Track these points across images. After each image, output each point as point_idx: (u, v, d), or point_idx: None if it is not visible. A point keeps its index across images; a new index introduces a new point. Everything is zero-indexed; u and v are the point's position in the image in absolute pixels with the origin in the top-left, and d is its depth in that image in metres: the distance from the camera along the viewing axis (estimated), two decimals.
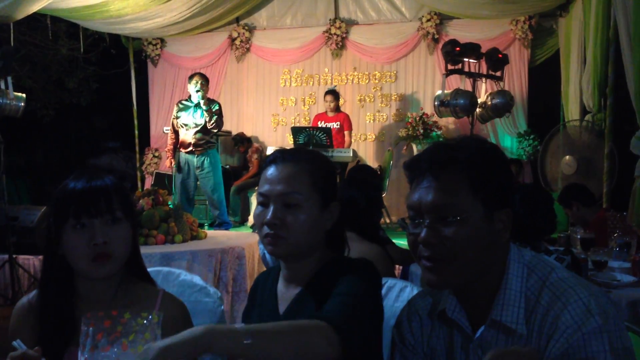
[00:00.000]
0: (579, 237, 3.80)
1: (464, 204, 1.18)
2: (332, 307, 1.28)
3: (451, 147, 1.23)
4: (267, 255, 3.46)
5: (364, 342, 1.27)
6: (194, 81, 6.40)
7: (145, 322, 1.08)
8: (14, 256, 5.47)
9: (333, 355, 1.16)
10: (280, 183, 1.45)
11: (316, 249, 1.51)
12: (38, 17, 7.80)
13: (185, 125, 6.48)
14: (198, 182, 6.73)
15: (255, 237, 4.54)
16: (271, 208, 1.45)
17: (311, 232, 1.46)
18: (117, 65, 9.67)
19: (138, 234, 1.60)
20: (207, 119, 6.36)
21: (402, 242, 6.44)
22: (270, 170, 1.49)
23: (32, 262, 5.63)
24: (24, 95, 5.65)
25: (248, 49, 9.31)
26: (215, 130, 6.52)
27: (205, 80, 6.45)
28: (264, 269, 3.03)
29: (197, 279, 2.04)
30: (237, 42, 9.24)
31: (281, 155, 1.51)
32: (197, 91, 6.34)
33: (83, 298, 1.51)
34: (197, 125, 6.45)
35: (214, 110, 6.39)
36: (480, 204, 1.19)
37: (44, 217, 5.79)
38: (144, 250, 1.64)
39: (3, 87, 5.49)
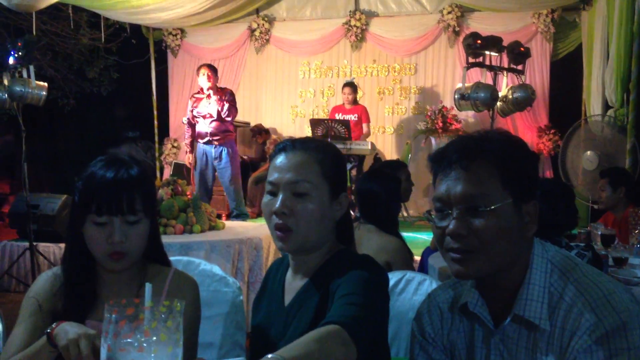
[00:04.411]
0: (599, 233, 3.76)
1: (494, 194, 1.18)
2: (342, 308, 1.26)
3: (480, 139, 1.23)
4: None
5: (373, 340, 1.26)
6: (201, 72, 6.47)
7: (167, 310, 1.09)
8: (35, 244, 5.54)
9: (350, 357, 1.15)
10: (289, 171, 1.43)
11: (326, 240, 1.48)
12: (60, 7, 7.86)
13: (201, 116, 6.53)
14: (216, 173, 6.76)
15: None
16: (280, 197, 1.42)
17: (321, 223, 1.44)
18: (138, 55, 9.73)
19: (158, 223, 1.60)
20: (220, 108, 6.40)
21: (419, 236, 6.45)
22: (280, 159, 1.46)
23: (52, 249, 5.70)
24: (45, 84, 5.70)
25: (267, 40, 9.31)
26: (229, 119, 6.55)
27: (212, 71, 6.50)
28: None
29: (216, 269, 2.06)
30: (257, 33, 9.24)
31: (291, 143, 1.48)
32: (205, 82, 6.40)
33: (102, 276, 1.55)
34: (211, 116, 6.49)
35: (225, 98, 6.43)
36: (509, 196, 1.18)
37: (65, 206, 5.86)
38: (162, 239, 1.66)
39: (25, 76, 5.54)
